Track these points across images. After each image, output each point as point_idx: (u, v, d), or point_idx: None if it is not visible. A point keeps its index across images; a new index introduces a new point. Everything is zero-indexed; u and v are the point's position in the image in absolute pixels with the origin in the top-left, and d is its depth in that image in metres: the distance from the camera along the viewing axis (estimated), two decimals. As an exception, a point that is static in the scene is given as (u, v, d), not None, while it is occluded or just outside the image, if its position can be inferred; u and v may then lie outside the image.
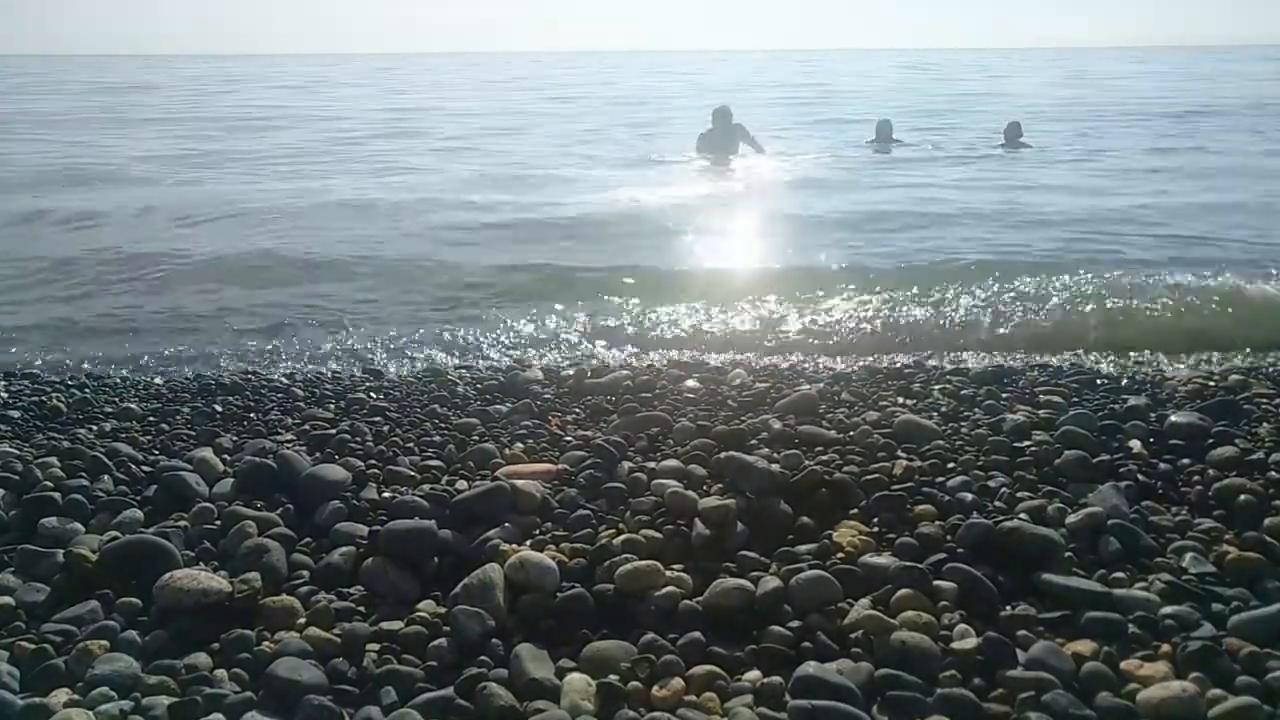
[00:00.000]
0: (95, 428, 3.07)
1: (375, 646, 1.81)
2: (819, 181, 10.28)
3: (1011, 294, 5.21)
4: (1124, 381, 3.39)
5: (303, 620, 1.90)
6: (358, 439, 2.80)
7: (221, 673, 1.74)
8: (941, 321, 4.86)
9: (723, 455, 2.43)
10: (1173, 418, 2.72)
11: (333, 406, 3.28)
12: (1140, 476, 2.37)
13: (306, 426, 2.99)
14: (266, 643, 1.82)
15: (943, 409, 3.02)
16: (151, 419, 3.18)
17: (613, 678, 1.70)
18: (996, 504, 2.24)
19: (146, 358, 4.43)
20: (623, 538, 2.11)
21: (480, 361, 4.28)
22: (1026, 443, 2.57)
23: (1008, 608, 1.86)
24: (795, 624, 1.83)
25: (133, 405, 3.32)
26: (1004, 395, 3.18)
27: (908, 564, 1.95)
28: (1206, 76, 32.85)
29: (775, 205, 8.77)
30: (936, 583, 1.91)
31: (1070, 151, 12.81)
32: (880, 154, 13.38)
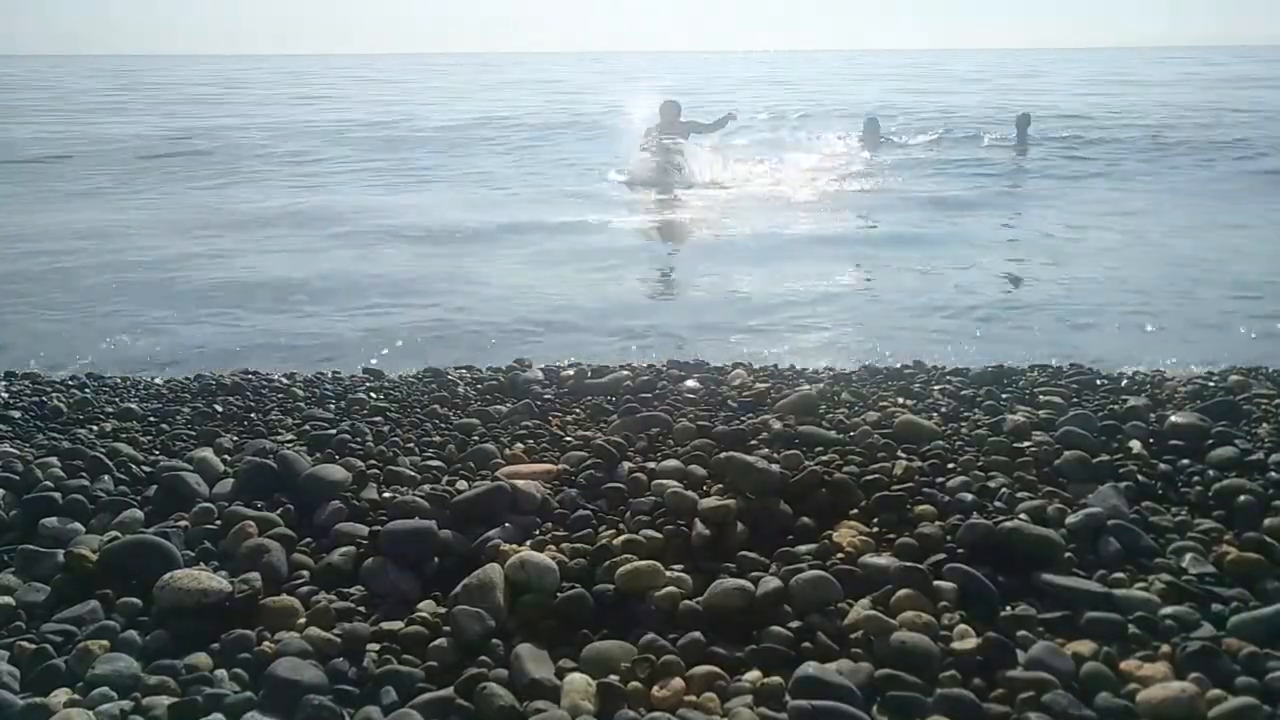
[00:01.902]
0: (95, 428, 3.07)
1: (375, 646, 1.81)
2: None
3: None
4: (1124, 382, 3.39)
5: (303, 620, 1.90)
6: (358, 439, 2.80)
7: (222, 673, 1.74)
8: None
9: (723, 455, 2.43)
10: (1173, 418, 2.72)
11: (333, 407, 3.28)
12: (1140, 477, 2.37)
13: (307, 427, 2.99)
14: (267, 643, 1.82)
15: (943, 409, 3.02)
16: (152, 419, 3.18)
17: (613, 678, 1.70)
18: (996, 504, 2.24)
19: (147, 360, 4.44)
20: (623, 538, 2.11)
21: (480, 362, 4.28)
22: (1026, 443, 2.57)
23: (1007, 608, 1.87)
24: (795, 624, 1.83)
25: (133, 405, 3.32)
26: (1004, 396, 3.18)
27: (908, 564, 1.95)
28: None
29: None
30: (936, 583, 1.91)
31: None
32: (874, 155, 12.94)
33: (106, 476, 2.53)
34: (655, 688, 1.69)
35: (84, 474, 2.52)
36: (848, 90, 27.58)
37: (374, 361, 4.33)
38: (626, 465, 2.52)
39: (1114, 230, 7.88)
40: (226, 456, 2.71)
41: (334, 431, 2.84)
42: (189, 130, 17.27)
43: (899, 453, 2.54)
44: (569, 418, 3.08)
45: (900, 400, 3.16)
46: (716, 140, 11.89)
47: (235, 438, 2.91)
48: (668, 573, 1.98)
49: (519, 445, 2.76)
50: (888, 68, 47.91)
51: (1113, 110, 19.01)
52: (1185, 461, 2.46)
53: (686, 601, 1.90)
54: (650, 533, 2.14)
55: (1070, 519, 2.13)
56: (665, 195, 10.25)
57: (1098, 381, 3.38)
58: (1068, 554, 2.02)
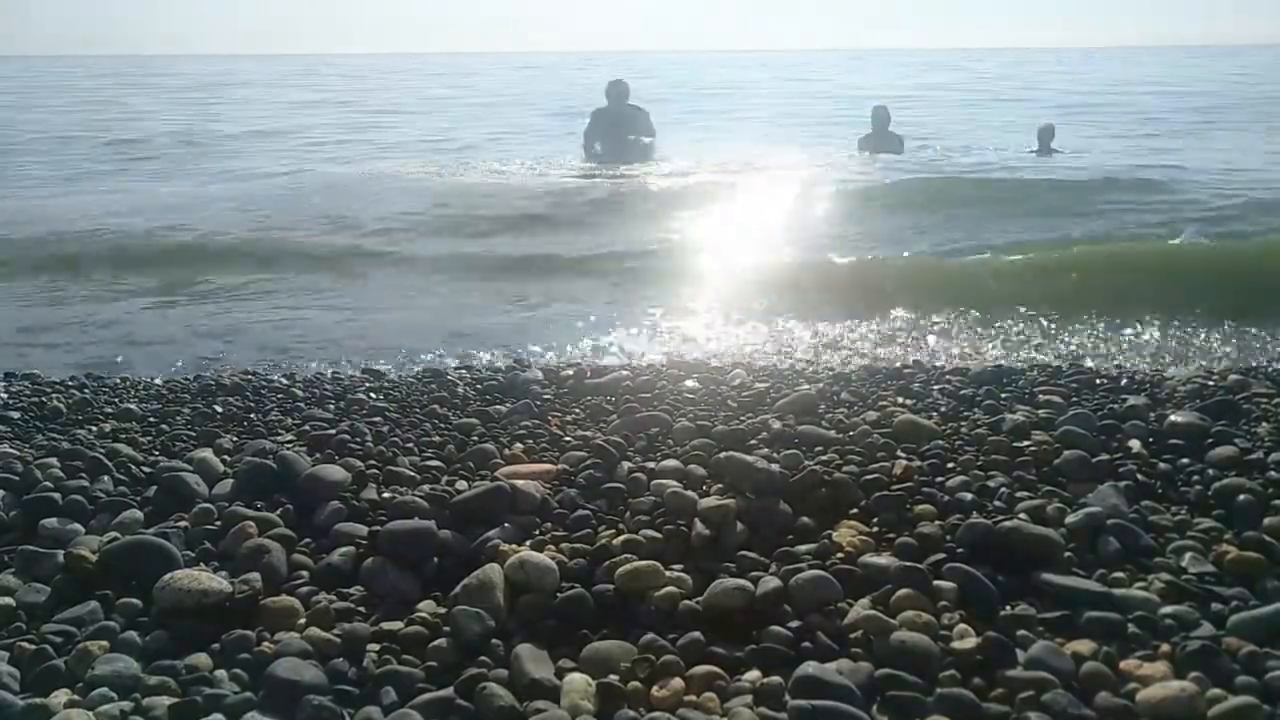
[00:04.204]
0: (95, 428, 3.07)
1: (375, 647, 1.81)
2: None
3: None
4: (1123, 381, 3.39)
5: (303, 620, 1.90)
6: (357, 439, 2.80)
7: (222, 673, 1.74)
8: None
9: (722, 455, 2.43)
10: (1172, 417, 2.72)
11: (332, 407, 3.28)
12: (1140, 476, 2.38)
13: (306, 427, 2.99)
14: (267, 643, 1.82)
15: (942, 409, 3.02)
16: (151, 420, 3.18)
17: (613, 678, 1.70)
18: (996, 504, 2.24)
19: (147, 360, 4.44)
20: (622, 538, 2.11)
21: (479, 361, 4.28)
22: (1026, 442, 2.57)
23: (1007, 607, 1.87)
24: (795, 624, 1.83)
25: (133, 406, 3.32)
26: (1003, 395, 3.18)
27: (907, 564, 1.96)
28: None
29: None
30: (936, 582, 1.91)
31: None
32: (876, 160, 11.17)
33: (106, 477, 2.53)
34: (655, 687, 1.69)
35: (84, 475, 2.52)
36: (848, 95, 26.07)
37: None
38: (626, 465, 2.52)
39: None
40: (226, 457, 2.71)
41: (333, 432, 2.84)
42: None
43: (899, 452, 2.54)
44: (568, 418, 3.08)
45: (900, 400, 3.16)
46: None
47: (235, 438, 2.91)
48: (667, 572, 1.98)
49: (518, 445, 2.76)
50: (896, 69, 45.63)
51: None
52: (1185, 461, 2.46)
53: (686, 601, 1.90)
54: (650, 533, 2.14)
55: (1070, 518, 2.13)
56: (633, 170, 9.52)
57: (1097, 381, 3.38)
58: (1067, 553, 2.02)
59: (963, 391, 3.24)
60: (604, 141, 10.44)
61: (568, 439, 2.81)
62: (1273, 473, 2.35)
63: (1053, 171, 10.17)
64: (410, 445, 2.79)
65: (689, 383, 3.44)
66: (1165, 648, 1.73)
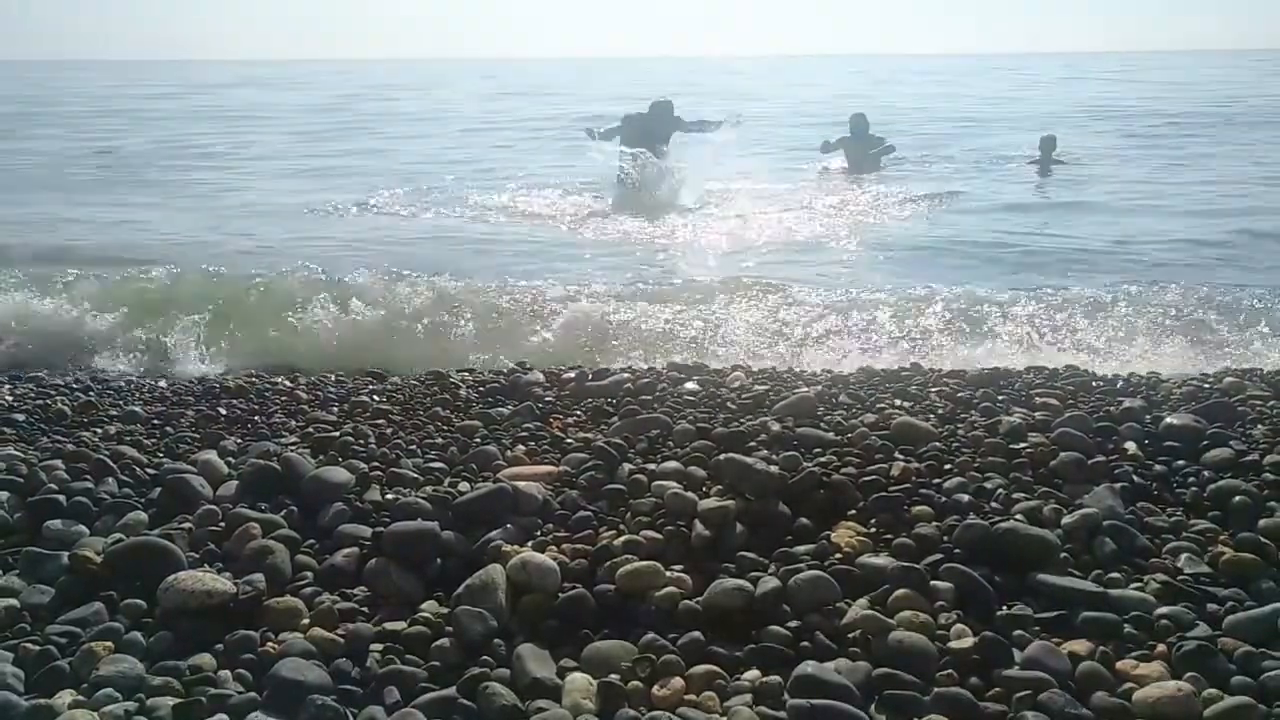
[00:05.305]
0: (100, 431, 3.09)
1: (378, 647, 1.83)
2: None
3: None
4: (1119, 384, 3.41)
5: (306, 621, 1.92)
6: (361, 441, 2.81)
7: (226, 673, 1.76)
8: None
9: (722, 457, 2.44)
10: (1168, 420, 2.73)
11: (336, 409, 3.30)
12: (1136, 478, 2.39)
13: (310, 429, 3.01)
14: (270, 643, 1.84)
15: (940, 411, 3.03)
16: (156, 422, 3.19)
17: (614, 677, 1.72)
18: (993, 505, 2.26)
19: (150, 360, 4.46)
20: (623, 538, 2.13)
21: (482, 364, 4.29)
22: (1023, 444, 2.59)
23: (1004, 608, 1.89)
24: (794, 624, 1.85)
25: (137, 408, 3.34)
26: (1000, 398, 3.19)
27: (905, 564, 1.97)
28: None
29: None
30: (933, 583, 1.93)
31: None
32: (852, 173, 10.67)
33: (111, 479, 2.54)
34: (655, 687, 1.71)
35: (88, 476, 2.53)
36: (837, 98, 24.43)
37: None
38: (627, 467, 2.53)
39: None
40: (230, 459, 2.72)
41: (337, 434, 2.86)
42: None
43: (896, 454, 2.56)
44: (570, 420, 3.10)
45: (897, 402, 3.17)
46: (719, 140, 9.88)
47: (239, 440, 2.93)
48: (668, 573, 2.00)
49: (520, 447, 2.78)
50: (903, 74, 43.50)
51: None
52: (1181, 462, 2.48)
53: (686, 601, 1.92)
54: (650, 533, 2.16)
55: (1066, 519, 2.15)
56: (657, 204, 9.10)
57: (1093, 383, 3.39)
58: (1064, 554, 2.04)
59: (960, 394, 3.25)
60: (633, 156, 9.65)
61: (569, 441, 2.82)
62: (1268, 474, 2.37)
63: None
64: (413, 447, 2.81)
65: (689, 385, 3.45)
66: (1161, 648, 1.75)
